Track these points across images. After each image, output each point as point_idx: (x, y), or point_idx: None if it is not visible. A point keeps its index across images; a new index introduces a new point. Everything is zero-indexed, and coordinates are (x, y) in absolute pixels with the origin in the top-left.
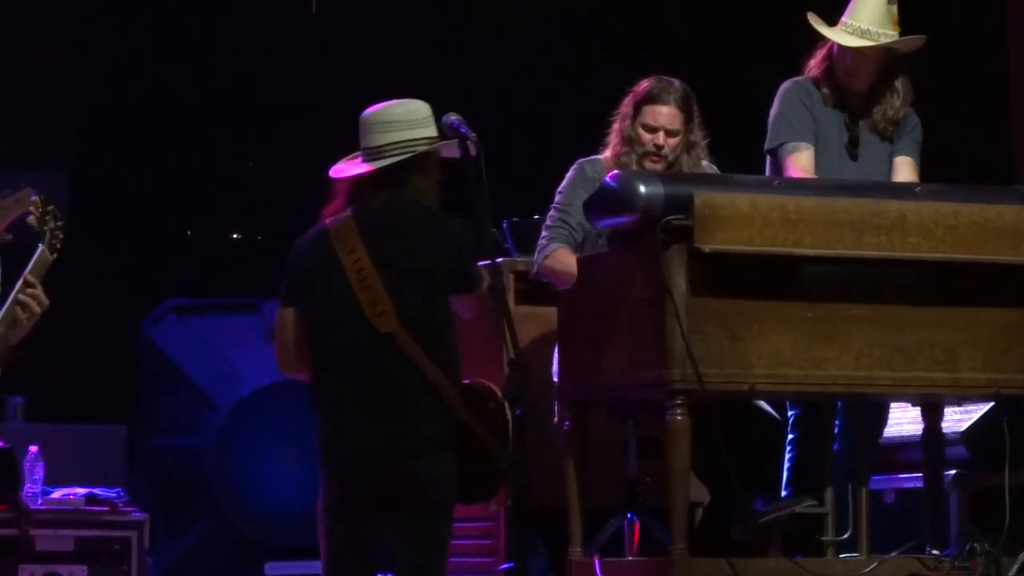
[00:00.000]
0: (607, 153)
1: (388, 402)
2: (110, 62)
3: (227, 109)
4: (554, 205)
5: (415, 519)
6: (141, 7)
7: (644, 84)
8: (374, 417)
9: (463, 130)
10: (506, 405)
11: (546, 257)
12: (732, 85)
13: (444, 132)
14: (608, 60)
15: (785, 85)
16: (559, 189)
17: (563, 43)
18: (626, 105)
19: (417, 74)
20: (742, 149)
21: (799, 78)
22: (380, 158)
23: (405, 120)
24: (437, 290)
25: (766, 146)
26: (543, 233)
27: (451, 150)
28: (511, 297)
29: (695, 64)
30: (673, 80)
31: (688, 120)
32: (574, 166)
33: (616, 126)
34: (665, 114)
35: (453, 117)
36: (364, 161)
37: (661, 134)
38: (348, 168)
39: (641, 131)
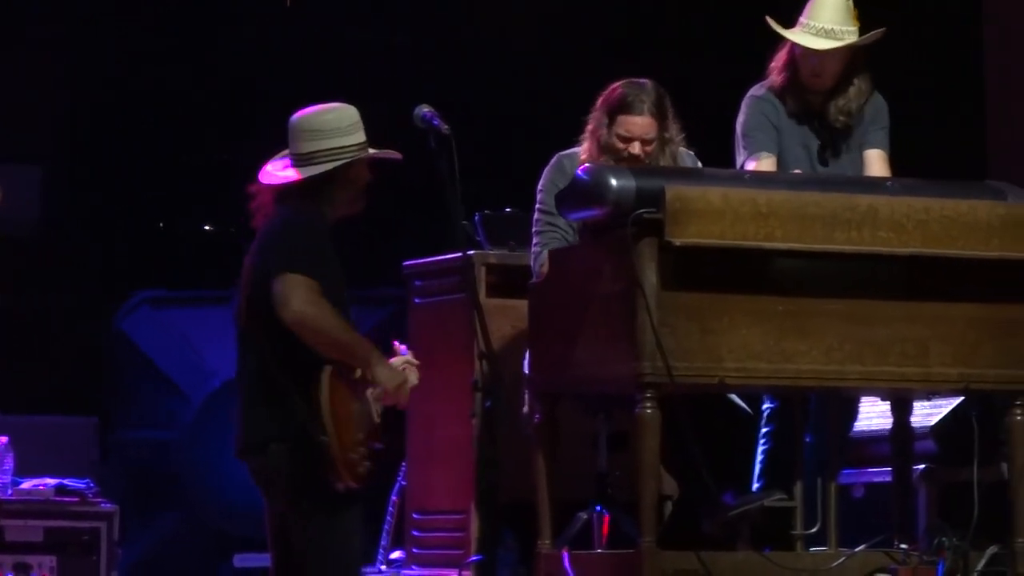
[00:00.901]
0: (584, 154)
1: (240, 396)
2: (83, 57)
3: (200, 102)
4: (538, 207)
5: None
6: (114, 3)
7: (617, 91)
8: (238, 411)
9: (435, 122)
10: (325, 389)
11: (542, 265)
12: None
13: (416, 123)
14: (582, 51)
15: (747, 100)
16: (540, 187)
17: (533, 34)
18: (599, 111)
19: (389, 66)
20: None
21: (760, 91)
22: (308, 165)
23: (333, 128)
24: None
25: (738, 166)
26: (534, 239)
27: (390, 154)
28: (482, 290)
29: (665, 59)
30: (645, 83)
31: (663, 120)
32: (552, 161)
33: (591, 128)
34: (639, 124)
35: (425, 109)
36: (293, 166)
37: (637, 144)
38: (276, 171)
39: (616, 141)
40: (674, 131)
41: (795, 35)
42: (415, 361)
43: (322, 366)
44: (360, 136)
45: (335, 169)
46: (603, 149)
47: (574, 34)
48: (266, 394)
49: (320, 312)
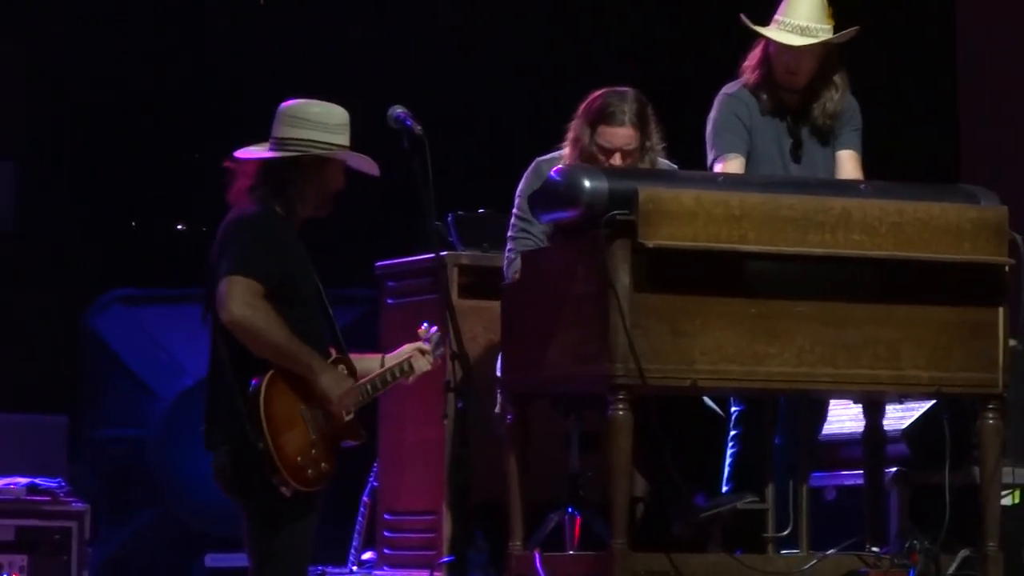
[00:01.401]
0: (566, 160)
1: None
2: (56, 52)
3: (175, 101)
4: (515, 211)
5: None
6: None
7: (598, 101)
8: None
9: (408, 123)
10: (261, 393)
11: (515, 272)
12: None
13: (389, 124)
14: (559, 53)
15: (719, 98)
16: (518, 192)
17: (511, 36)
18: (581, 119)
19: (365, 65)
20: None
21: (734, 88)
22: (280, 149)
23: (316, 121)
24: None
25: (708, 164)
26: (508, 244)
27: (365, 165)
28: (454, 291)
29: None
30: (626, 92)
31: (644, 129)
32: (531, 166)
33: (572, 136)
34: (620, 135)
35: (399, 110)
36: (270, 149)
37: (618, 156)
38: (252, 152)
39: (596, 152)
40: (655, 140)
41: (771, 32)
42: (425, 347)
43: (268, 369)
44: (342, 138)
45: (305, 159)
46: (584, 158)
47: (551, 36)
48: (216, 396)
49: (257, 316)
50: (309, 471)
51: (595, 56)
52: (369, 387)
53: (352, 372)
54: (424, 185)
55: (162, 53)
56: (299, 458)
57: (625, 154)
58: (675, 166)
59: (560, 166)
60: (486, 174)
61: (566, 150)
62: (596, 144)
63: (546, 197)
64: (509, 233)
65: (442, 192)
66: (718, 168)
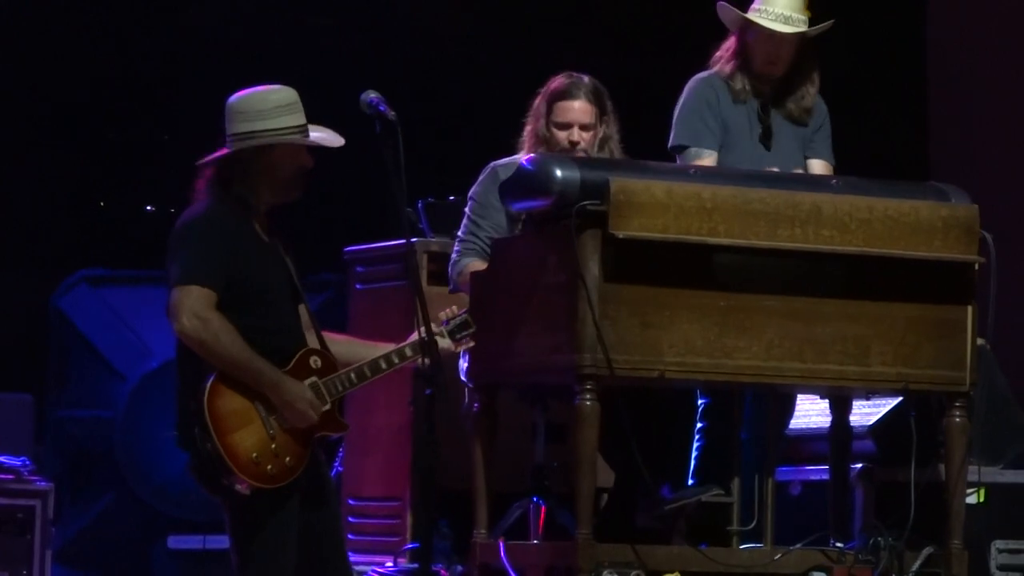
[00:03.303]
0: (523, 155)
1: None
2: (25, 31)
3: (143, 80)
4: (467, 212)
5: None
6: None
7: (554, 82)
8: None
9: (381, 108)
10: (205, 393)
11: (459, 273)
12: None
13: (362, 109)
14: (528, 42)
15: (691, 83)
16: (471, 194)
17: (483, 22)
18: (537, 105)
19: (336, 51)
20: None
21: (705, 74)
22: (227, 146)
23: (253, 110)
24: None
25: (669, 144)
26: (455, 247)
27: (325, 140)
28: (424, 278)
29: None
30: (583, 76)
31: (601, 114)
32: (487, 169)
33: (529, 127)
34: (576, 109)
35: (372, 95)
36: (225, 147)
37: (575, 130)
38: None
39: (555, 130)
40: (613, 130)
41: (758, 18)
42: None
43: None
44: (285, 120)
45: (246, 153)
46: (541, 141)
47: (522, 22)
48: (175, 395)
49: (206, 330)
50: (269, 467)
51: (569, 45)
52: (353, 375)
53: (328, 364)
54: (396, 171)
55: (133, 34)
56: (254, 455)
57: (582, 128)
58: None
59: (531, 155)
60: (457, 161)
61: (524, 141)
62: (553, 123)
63: (517, 186)
64: (459, 233)
65: (413, 179)
66: (691, 161)
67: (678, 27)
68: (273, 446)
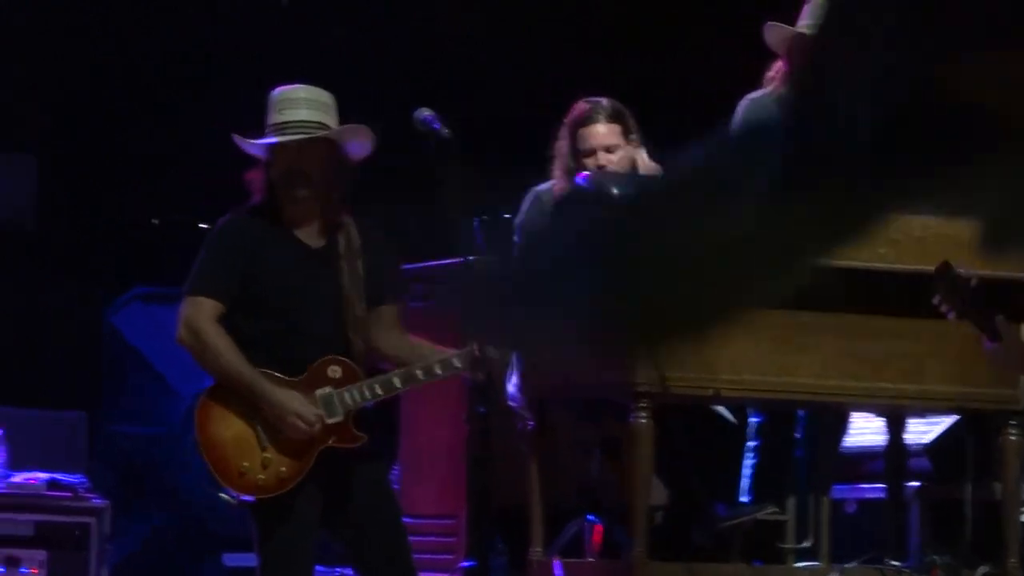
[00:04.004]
0: (554, 184)
1: None
2: (81, 47)
3: (199, 97)
4: (516, 242)
5: None
6: None
7: (573, 110)
8: None
9: (436, 126)
10: (196, 406)
11: None
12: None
13: (416, 127)
14: (585, 59)
15: (743, 103)
16: (517, 223)
17: (540, 39)
18: (562, 137)
19: (389, 67)
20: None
21: (757, 94)
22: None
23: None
24: None
25: None
26: None
27: (359, 145)
28: None
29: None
30: (601, 99)
31: (626, 133)
32: (529, 196)
33: (556, 160)
34: (600, 133)
35: (426, 113)
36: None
37: (601, 154)
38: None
39: (581, 158)
40: (639, 147)
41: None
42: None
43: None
44: (271, 118)
45: (261, 152)
46: (569, 172)
47: (579, 39)
48: None
49: (201, 340)
50: (259, 477)
51: (621, 61)
52: (378, 386)
53: (350, 375)
54: (451, 188)
55: (187, 49)
56: (244, 464)
57: (607, 150)
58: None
59: (587, 173)
60: (512, 178)
61: (554, 174)
62: (578, 151)
63: (572, 203)
64: None
65: (468, 196)
66: None
67: (732, 46)
68: (265, 456)
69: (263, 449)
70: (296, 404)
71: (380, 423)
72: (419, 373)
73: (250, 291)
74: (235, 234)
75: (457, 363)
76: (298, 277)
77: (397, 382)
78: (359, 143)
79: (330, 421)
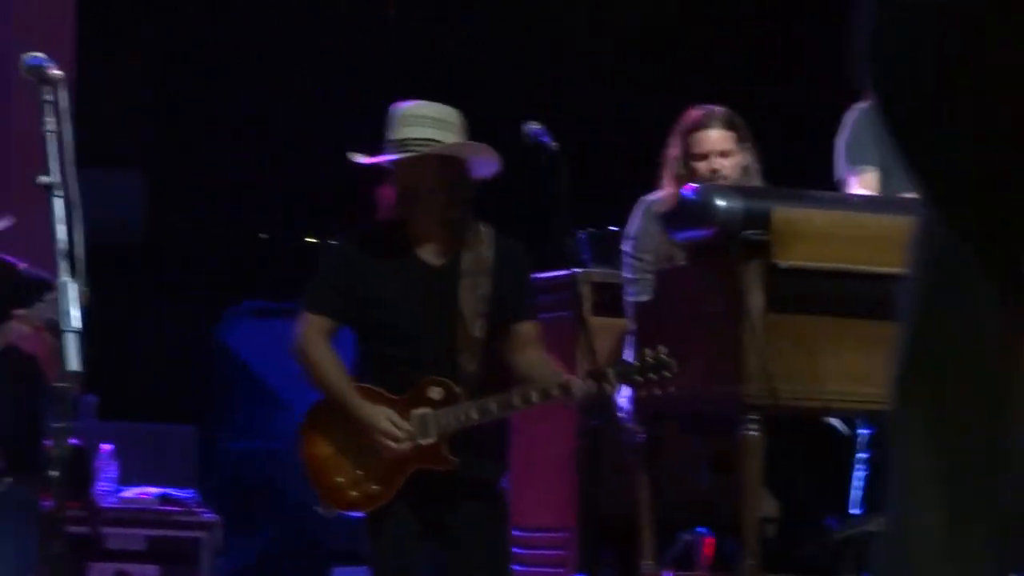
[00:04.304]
0: (664, 192)
1: None
2: (188, 63)
3: (308, 113)
4: (627, 251)
5: None
6: (217, 10)
7: (687, 116)
8: None
9: (543, 139)
10: (306, 418)
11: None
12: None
13: (524, 140)
14: (689, 71)
15: (851, 113)
16: (626, 233)
17: (644, 52)
18: (673, 143)
19: (497, 79)
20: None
21: (865, 104)
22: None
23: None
24: None
25: (835, 176)
26: (628, 289)
27: (485, 164)
28: (587, 308)
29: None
30: (714, 107)
31: (739, 140)
32: (639, 205)
33: (667, 167)
34: (713, 137)
35: (534, 126)
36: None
37: (714, 158)
38: None
39: (693, 163)
40: (752, 158)
41: None
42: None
43: None
44: (394, 133)
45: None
46: (680, 178)
47: (682, 52)
48: None
49: (305, 355)
50: (351, 493)
51: (726, 75)
52: (475, 411)
53: (451, 396)
54: (559, 202)
55: (296, 64)
56: (339, 479)
57: (721, 155)
58: None
59: (694, 185)
60: (619, 191)
61: (664, 182)
62: (691, 156)
63: (680, 216)
64: (625, 273)
65: (575, 209)
66: (852, 182)
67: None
68: (358, 473)
69: (357, 466)
70: (382, 421)
71: (495, 445)
72: (516, 400)
73: (365, 310)
74: (349, 251)
75: (555, 392)
76: (412, 296)
77: (494, 408)
78: (485, 162)
79: (423, 442)
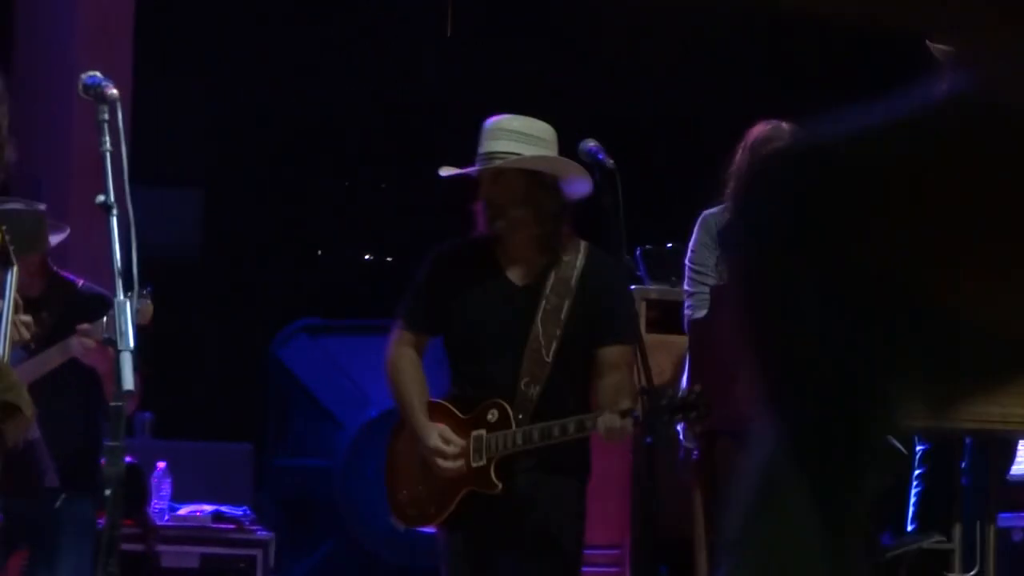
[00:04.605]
0: (722, 208)
1: None
2: (245, 83)
3: (361, 130)
4: (688, 265)
5: None
6: (275, 31)
7: (754, 131)
8: None
9: (600, 156)
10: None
11: None
12: None
13: (580, 158)
14: (748, 89)
15: (700, 219)
16: (689, 246)
17: (701, 69)
18: (740, 156)
19: (553, 96)
20: None
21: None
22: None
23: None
24: None
25: None
26: (686, 301)
27: (579, 184)
28: (642, 325)
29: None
30: (781, 122)
31: None
32: (699, 220)
33: (732, 183)
34: None
35: (591, 143)
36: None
37: None
38: None
39: None
40: None
41: None
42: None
43: None
44: (481, 147)
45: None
46: None
47: (739, 67)
48: None
49: (389, 366)
50: (410, 510)
51: (781, 90)
52: (520, 436)
53: (504, 419)
54: (615, 219)
55: (348, 85)
56: (402, 493)
57: None
58: None
59: None
60: (675, 208)
61: (728, 196)
62: None
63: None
64: (686, 287)
65: (631, 226)
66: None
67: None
68: (420, 489)
69: (420, 483)
70: (433, 438)
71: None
72: (556, 431)
73: (448, 326)
74: (440, 265)
75: (589, 425)
76: (491, 315)
77: (536, 436)
78: (579, 181)
79: (474, 464)
